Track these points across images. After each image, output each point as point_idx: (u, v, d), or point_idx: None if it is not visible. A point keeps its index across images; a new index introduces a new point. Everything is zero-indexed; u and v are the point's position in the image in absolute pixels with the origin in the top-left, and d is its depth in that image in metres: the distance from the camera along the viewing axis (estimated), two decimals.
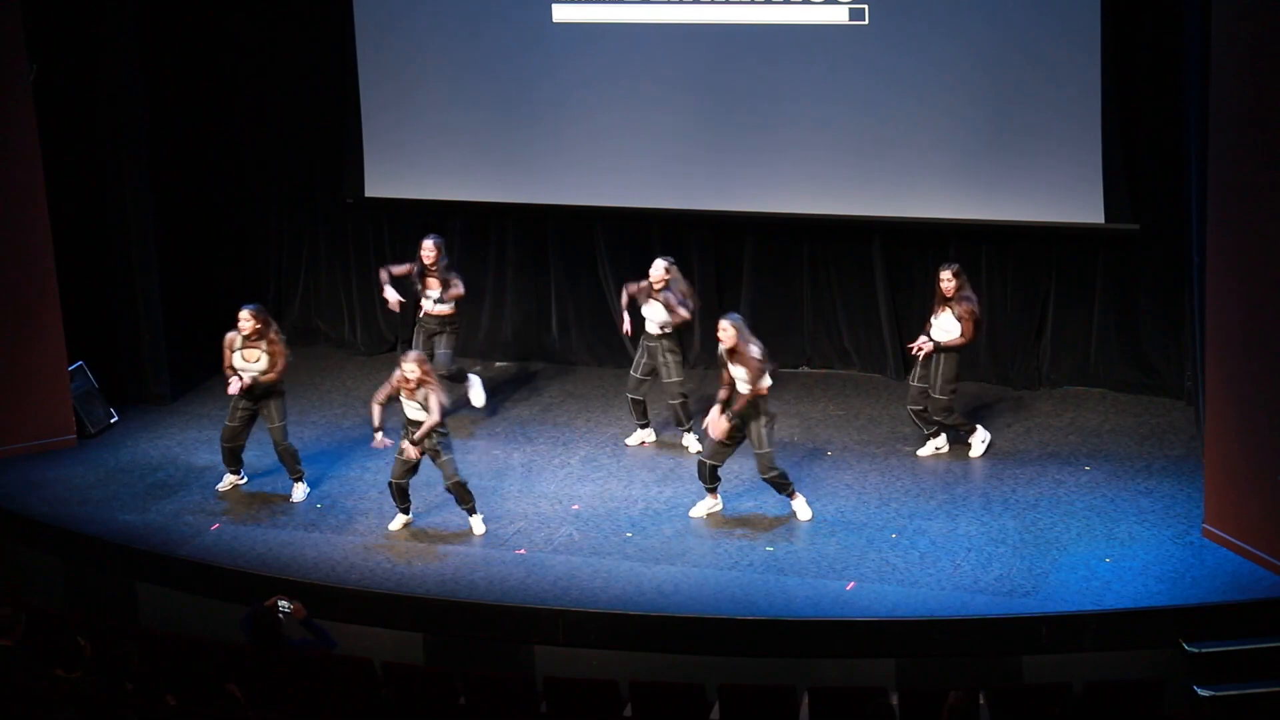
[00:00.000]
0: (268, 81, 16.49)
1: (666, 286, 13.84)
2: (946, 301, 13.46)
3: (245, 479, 13.86)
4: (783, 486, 12.91)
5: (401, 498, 13.01)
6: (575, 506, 13.35)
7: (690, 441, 14.12)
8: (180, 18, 16.27)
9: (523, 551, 12.71)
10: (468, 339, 15.65)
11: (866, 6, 14.39)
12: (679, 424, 14.19)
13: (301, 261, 16.94)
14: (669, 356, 14.01)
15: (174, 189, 16.30)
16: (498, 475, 13.80)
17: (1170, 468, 13.47)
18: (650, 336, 14.02)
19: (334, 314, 16.91)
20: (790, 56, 14.69)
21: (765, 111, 14.89)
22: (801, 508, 12.95)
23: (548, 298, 16.30)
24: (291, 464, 13.62)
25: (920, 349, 13.49)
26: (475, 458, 14.15)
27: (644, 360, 14.10)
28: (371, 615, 12.18)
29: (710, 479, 13.04)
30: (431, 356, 14.09)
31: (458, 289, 14.54)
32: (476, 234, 16.22)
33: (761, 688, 10.82)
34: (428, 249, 14.50)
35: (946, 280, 13.43)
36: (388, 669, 10.89)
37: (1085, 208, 14.19)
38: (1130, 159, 14.10)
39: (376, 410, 12.80)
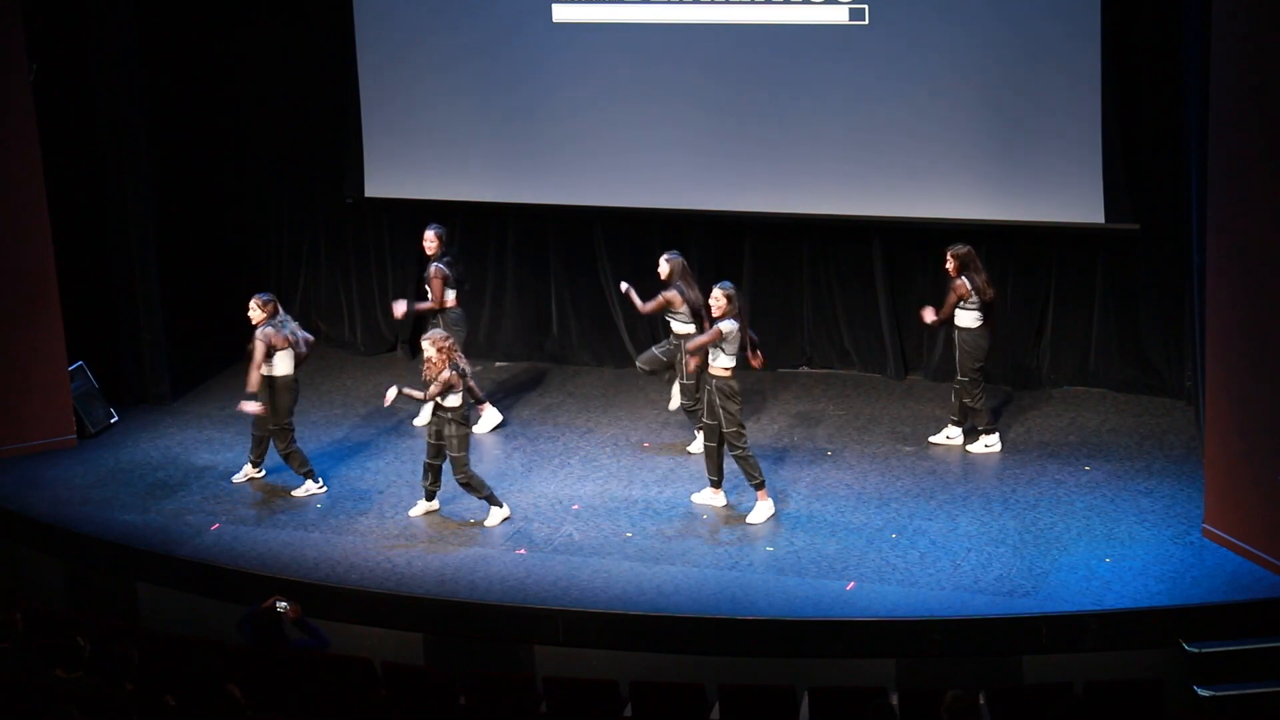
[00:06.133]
0: (268, 81, 16.49)
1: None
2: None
3: (264, 473, 13.83)
4: (750, 476, 12.84)
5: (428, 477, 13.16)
6: (575, 506, 13.34)
7: (694, 446, 14.13)
8: (180, 17, 16.27)
9: (523, 551, 12.71)
10: (468, 339, 15.63)
11: (867, 6, 14.39)
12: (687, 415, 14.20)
13: (301, 261, 16.94)
14: (687, 356, 14.07)
15: (174, 188, 16.30)
16: (498, 475, 13.78)
17: (1170, 468, 13.47)
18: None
19: (334, 314, 16.90)
20: (790, 56, 14.69)
21: (765, 111, 14.88)
22: (760, 510, 12.87)
23: (548, 298, 16.29)
24: (296, 466, 13.63)
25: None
26: (476, 458, 14.12)
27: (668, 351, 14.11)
28: (371, 615, 12.18)
29: (713, 468, 12.99)
30: None
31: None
32: (476, 234, 16.22)
33: (761, 688, 10.81)
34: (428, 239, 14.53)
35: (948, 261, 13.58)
36: (388, 669, 10.89)
37: (1085, 207, 14.18)
38: (1130, 159, 14.10)
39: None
